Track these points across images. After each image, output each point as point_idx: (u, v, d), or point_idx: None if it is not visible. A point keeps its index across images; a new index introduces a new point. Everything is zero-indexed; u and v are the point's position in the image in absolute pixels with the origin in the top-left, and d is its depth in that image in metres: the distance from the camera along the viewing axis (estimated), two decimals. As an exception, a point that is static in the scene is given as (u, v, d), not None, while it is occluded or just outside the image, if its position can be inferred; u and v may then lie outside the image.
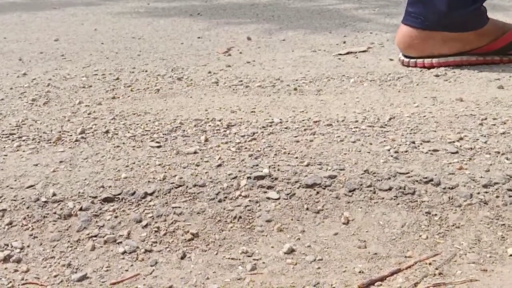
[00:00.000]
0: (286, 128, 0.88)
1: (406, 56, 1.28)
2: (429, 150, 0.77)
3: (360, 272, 0.55)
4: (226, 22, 2.12)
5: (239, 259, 0.58)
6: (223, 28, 1.96)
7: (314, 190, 0.68)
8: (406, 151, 0.77)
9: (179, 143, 0.83)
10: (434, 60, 1.24)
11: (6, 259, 0.58)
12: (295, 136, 0.84)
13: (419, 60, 1.25)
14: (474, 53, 1.24)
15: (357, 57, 1.42)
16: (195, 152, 0.80)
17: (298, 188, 0.68)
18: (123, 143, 0.84)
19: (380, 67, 1.29)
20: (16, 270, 0.57)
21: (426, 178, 0.69)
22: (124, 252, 0.59)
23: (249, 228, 0.63)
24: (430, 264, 0.55)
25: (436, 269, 0.55)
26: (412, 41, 1.24)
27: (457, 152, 0.76)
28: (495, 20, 1.25)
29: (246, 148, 0.80)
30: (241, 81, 1.20)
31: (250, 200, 0.66)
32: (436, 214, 0.63)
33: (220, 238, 0.61)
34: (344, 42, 1.62)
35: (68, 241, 0.61)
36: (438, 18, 1.20)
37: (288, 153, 0.78)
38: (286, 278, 0.55)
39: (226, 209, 0.65)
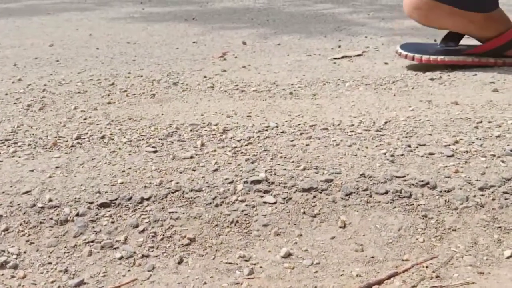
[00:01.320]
0: (282, 132, 0.88)
1: (403, 49, 1.28)
2: (425, 154, 0.77)
3: (357, 275, 0.55)
4: (221, 27, 2.12)
5: (236, 264, 0.58)
6: (218, 33, 1.97)
7: (311, 194, 0.68)
8: (402, 155, 0.77)
9: (175, 148, 0.83)
10: (432, 58, 1.24)
11: (2, 265, 0.58)
12: (291, 140, 0.84)
13: (417, 55, 1.25)
14: (470, 53, 1.24)
15: (352, 61, 1.42)
16: (191, 157, 0.80)
17: (294, 192, 0.68)
18: (119, 148, 0.84)
19: (375, 71, 1.29)
20: (12, 277, 0.56)
21: (422, 181, 0.69)
22: (121, 258, 0.59)
23: (246, 232, 0.63)
24: (427, 267, 0.55)
25: (433, 272, 0.55)
26: (420, 5, 1.23)
27: (452, 155, 0.77)
28: (503, 12, 1.25)
29: (242, 152, 0.81)
30: (237, 85, 1.20)
31: (246, 205, 0.66)
32: (432, 217, 0.63)
33: (217, 242, 0.61)
34: (339, 46, 1.63)
35: (65, 247, 0.61)
36: None
37: (285, 157, 0.78)
38: (283, 282, 0.55)
39: (223, 213, 0.65)
